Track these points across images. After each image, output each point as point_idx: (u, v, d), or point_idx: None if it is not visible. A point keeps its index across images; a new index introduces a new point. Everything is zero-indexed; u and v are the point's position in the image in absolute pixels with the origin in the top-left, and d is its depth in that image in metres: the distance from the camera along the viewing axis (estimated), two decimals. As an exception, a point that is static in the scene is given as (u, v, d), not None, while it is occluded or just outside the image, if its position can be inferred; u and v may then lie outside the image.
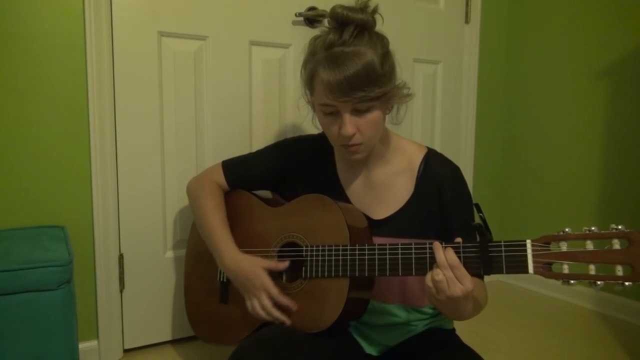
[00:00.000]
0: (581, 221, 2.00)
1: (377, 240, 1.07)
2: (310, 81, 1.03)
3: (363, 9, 0.99)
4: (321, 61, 0.97)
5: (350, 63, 0.94)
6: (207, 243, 1.19)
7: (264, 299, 1.05)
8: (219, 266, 1.16)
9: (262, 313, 1.06)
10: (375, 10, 1.01)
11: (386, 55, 1.00)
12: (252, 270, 1.07)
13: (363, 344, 1.14)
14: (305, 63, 1.04)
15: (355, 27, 0.97)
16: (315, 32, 1.06)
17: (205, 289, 1.27)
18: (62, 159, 1.41)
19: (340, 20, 0.98)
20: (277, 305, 1.05)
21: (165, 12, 1.49)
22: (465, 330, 1.10)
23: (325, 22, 1.68)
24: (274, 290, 1.05)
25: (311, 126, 1.72)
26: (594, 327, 1.81)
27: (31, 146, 1.37)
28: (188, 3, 1.52)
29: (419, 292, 1.10)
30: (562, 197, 2.08)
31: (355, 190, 1.14)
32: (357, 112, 0.99)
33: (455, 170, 1.10)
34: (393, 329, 1.12)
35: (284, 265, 1.08)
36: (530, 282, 2.20)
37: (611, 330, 1.78)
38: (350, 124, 0.98)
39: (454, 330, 1.17)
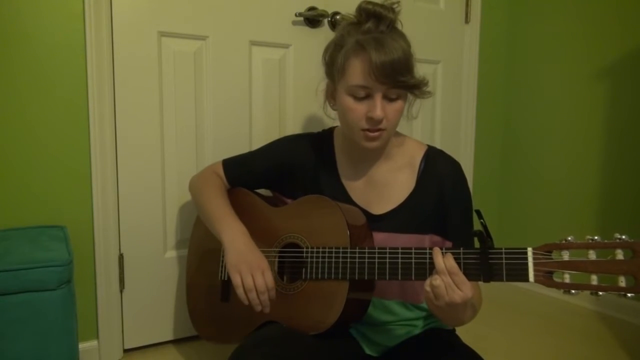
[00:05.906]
0: (581, 221, 2.01)
1: (377, 235, 1.07)
2: (342, 63, 1.02)
3: (391, 9, 1.02)
4: (364, 42, 0.98)
5: (395, 48, 0.97)
6: (212, 224, 1.15)
7: (260, 280, 1.01)
8: (223, 244, 1.09)
9: (251, 292, 1.01)
10: (399, 12, 1.04)
11: (411, 52, 1.02)
12: (258, 255, 1.06)
13: (363, 344, 1.14)
14: (336, 46, 1.04)
15: (389, 22, 1.01)
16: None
17: (206, 286, 1.27)
18: (62, 159, 1.40)
19: (373, 15, 1.00)
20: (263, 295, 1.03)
21: (165, 12, 1.49)
22: (465, 330, 1.10)
23: (325, 22, 1.69)
24: (271, 278, 1.03)
25: (311, 126, 1.73)
26: (594, 327, 1.81)
27: (31, 146, 1.37)
28: (188, 3, 1.51)
29: (417, 288, 1.11)
30: (561, 196, 2.08)
31: (356, 186, 1.14)
32: (387, 99, 1.01)
33: (455, 166, 1.11)
34: (393, 328, 1.13)
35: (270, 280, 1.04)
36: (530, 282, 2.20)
37: (611, 330, 1.78)
38: (381, 107, 1.00)
39: (453, 330, 1.17)
